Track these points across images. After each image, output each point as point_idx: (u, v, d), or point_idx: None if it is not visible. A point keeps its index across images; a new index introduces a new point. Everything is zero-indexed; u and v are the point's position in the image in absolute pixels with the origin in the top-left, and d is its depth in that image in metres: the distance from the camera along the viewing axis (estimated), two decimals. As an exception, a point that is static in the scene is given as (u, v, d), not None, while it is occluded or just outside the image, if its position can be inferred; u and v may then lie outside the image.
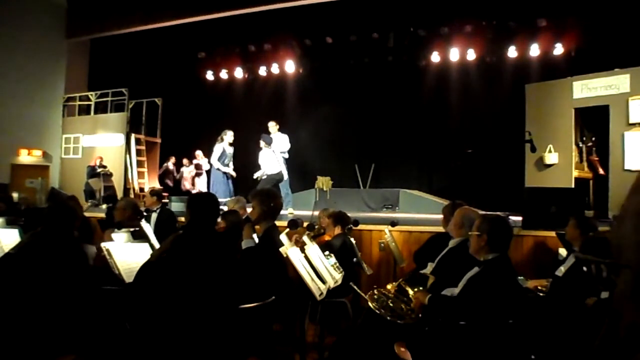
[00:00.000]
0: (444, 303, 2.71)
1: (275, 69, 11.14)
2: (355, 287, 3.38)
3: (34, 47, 10.64)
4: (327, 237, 4.41)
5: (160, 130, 11.36)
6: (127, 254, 3.11)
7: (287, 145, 8.05)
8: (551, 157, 7.70)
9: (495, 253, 2.61)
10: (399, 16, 9.77)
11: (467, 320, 2.49)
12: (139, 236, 3.56)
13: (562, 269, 3.48)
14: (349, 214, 4.73)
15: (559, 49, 8.99)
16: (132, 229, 3.47)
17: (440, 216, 4.14)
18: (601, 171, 7.61)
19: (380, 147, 10.74)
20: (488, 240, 2.60)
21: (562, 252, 4.36)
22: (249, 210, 3.92)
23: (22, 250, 2.70)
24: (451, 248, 3.29)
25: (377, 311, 2.81)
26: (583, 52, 8.64)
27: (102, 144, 10.52)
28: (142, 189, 10.48)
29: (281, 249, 3.13)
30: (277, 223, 3.53)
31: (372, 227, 5.53)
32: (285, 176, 7.75)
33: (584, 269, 2.97)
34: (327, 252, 3.68)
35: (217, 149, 8.01)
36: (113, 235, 3.38)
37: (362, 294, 3.11)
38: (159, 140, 11.40)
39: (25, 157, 10.81)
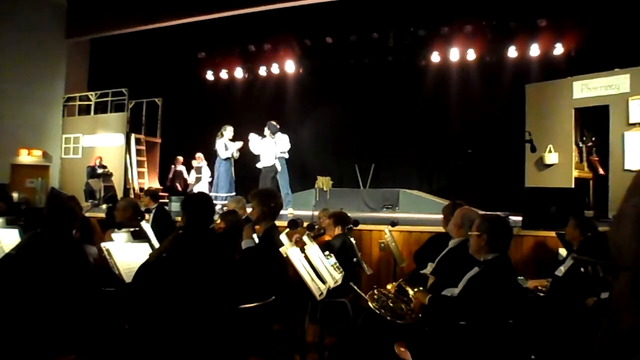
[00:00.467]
0: (444, 303, 2.71)
1: (275, 69, 11.14)
2: (355, 287, 3.38)
3: (34, 47, 10.64)
4: (327, 237, 4.40)
5: (160, 130, 11.36)
6: (127, 254, 3.11)
7: (288, 145, 8.08)
8: (551, 157, 7.70)
9: (495, 253, 2.61)
10: (399, 16, 9.77)
11: (467, 320, 2.49)
12: (139, 236, 3.56)
13: (562, 269, 3.48)
14: (349, 214, 4.73)
15: (559, 49, 8.98)
16: (132, 229, 3.48)
17: (440, 216, 4.14)
18: (601, 171, 7.61)
19: (380, 147, 10.73)
20: (488, 240, 2.60)
21: (562, 252, 4.36)
22: (249, 210, 3.93)
23: (22, 250, 2.71)
24: (451, 248, 3.29)
25: (377, 311, 2.81)
26: (583, 52, 8.64)
27: (102, 144, 10.51)
28: (142, 189, 10.47)
29: (281, 249, 3.13)
30: (277, 223, 3.54)
31: (372, 227, 5.53)
32: (279, 168, 7.80)
33: (582, 270, 2.97)
34: (327, 252, 3.68)
35: (220, 144, 8.07)
36: (113, 235, 3.38)
37: (362, 294, 3.11)
38: (159, 140, 11.40)
39: (25, 157, 10.81)
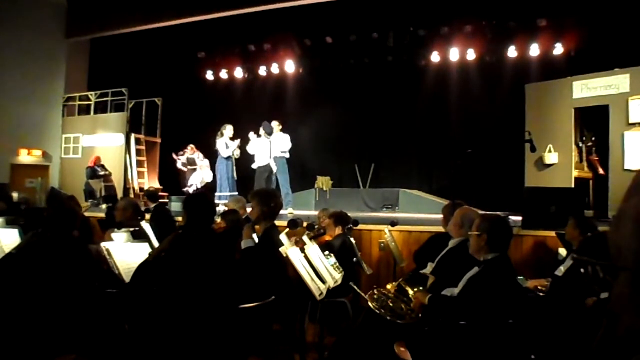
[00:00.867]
0: (444, 303, 2.71)
1: (275, 69, 11.14)
2: (355, 287, 3.38)
3: (34, 47, 10.64)
4: (327, 237, 4.41)
5: (160, 130, 11.36)
6: (127, 254, 3.11)
7: (289, 145, 8.09)
8: (551, 157, 7.70)
9: (495, 253, 2.61)
10: (399, 16, 9.77)
11: (467, 320, 2.49)
12: (139, 236, 3.56)
13: (562, 269, 3.48)
14: (349, 214, 4.73)
15: (559, 49, 8.98)
16: (132, 229, 3.47)
17: (440, 216, 4.14)
18: (601, 171, 7.61)
19: (380, 147, 10.73)
20: (488, 240, 2.60)
21: (562, 252, 4.36)
22: (249, 210, 3.93)
23: (22, 250, 2.71)
24: (451, 248, 3.29)
25: (377, 311, 2.81)
26: (583, 52, 8.64)
27: (102, 144, 10.51)
28: (142, 189, 10.48)
29: (281, 249, 3.13)
30: (277, 223, 3.54)
31: (372, 227, 5.53)
32: (274, 168, 7.82)
33: (582, 270, 2.97)
34: (327, 252, 3.68)
35: (221, 143, 8.11)
36: (113, 235, 3.38)
37: (362, 294, 3.11)
38: (159, 140, 11.40)
39: (25, 157, 10.81)
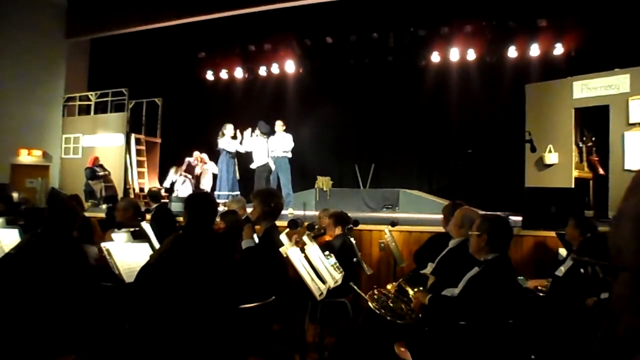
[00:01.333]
0: (444, 303, 2.71)
1: (275, 69, 11.13)
2: (355, 287, 3.38)
3: (34, 47, 10.64)
4: (327, 237, 4.41)
5: (160, 130, 11.36)
6: (127, 254, 3.11)
7: (291, 145, 8.10)
8: (551, 157, 7.70)
9: (495, 253, 2.61)
10: (399, 16, 9.77)
11: (467, 320, 2.49)
12: (139, 236, 3.56)
13: (562, 269, 3.48)
14: (349, 214, 4.73)
15: (559, 49, 8.98)
16: (132, 229, 3.48)
17: (440, 216, 4.14)
18: (601, 171, 7.61)
19: (380, 147, 10.74)
20: (488, 240, 2.60)
21: (562, 252, 4.36)
22: (249, 210, 3.93)
23: (22, 250, 2.71)
24: (451, 248, 3.29)
25: (377, 311, 2.82)
26: (583, 52, 8.63)
27: (102, 144, 10.51)
28: (142, 189, 10.48)
29: (281, 249, 3.13)
30: (277, 223, 3.54)
31: (372, 227, 5.53)
32: (273, 167, 7.86)
33: (582, 270, 2.97)
34: (327, 252, 3.69)
35: (223, 142, 8.17)
36: (113, 235, 3.38)
37: (362, 294, 3.11)
38: (159, 140, 11.40)
39: (25, 157, 10.81)
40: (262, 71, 11.34)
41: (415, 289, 2.95)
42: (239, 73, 11.60)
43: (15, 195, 7.93)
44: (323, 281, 3.23)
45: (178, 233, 2.78)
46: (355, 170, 10.38)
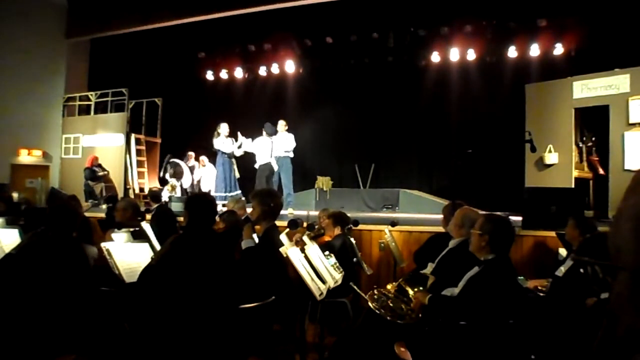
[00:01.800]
0: (444, 303, 2.71)
1: (275, 69, 11.14)
2: (355, 287, 3.38)
3: (34, 47, 10.63)
4: (327, 238, 4.41)
5: (160, 130, 11.35)
6: (127, 254, 3.11)
7: (293, 144, 8.10)
8: (551, 157, 7.70)
9: (496, 254, 2.61)
10: (399, 16, 9.77)
11: (467, 320, 2.49)
12: (139, 236, 3.56)
13: (562, 269, 3.48)
14: (349, 214, 4.73)
15: (559, 49, 8.98)
16: (132, 229, 3.48)
17: (440, 216, 4.14)
18: (601, 171, 7.61)
19: (380, 147, 10.73)
20: (489, 240, 2.59)
21: (562, 252, 4.36)
22: (248, 210, 3.93)
23: (22, 250, 2.71)
24: (451, 248, 3.29)
25: (377, 311, 2.81)
26: (583, 52, 8.64)
27: (102, 144, 10.51)
28: (142, 189, 10.48)
29: (281, 249, 3.13)
30: (277, 223, 3.54)
31: (372, 227, 5.52)
32: (275, 167, 7.86)
33: (581, 270, 2.98)
34: (327, 252, 3.68)
35: (219, 142, 8.17)
36: (113, 235, 3.38)
37: (362, 294, 3.11)
38: (159, 140, 11.40)
39: (25, 157, 10.81)
40: (262, 71, 11.35)
41: (415, 289, 2.95)
42: (239, 73, 11.60)
43: (15, 195, 7.94)
44: (323, 281, 3.23)
45: (178, 234, 2.78)
46: (355, 170, 10.38)
